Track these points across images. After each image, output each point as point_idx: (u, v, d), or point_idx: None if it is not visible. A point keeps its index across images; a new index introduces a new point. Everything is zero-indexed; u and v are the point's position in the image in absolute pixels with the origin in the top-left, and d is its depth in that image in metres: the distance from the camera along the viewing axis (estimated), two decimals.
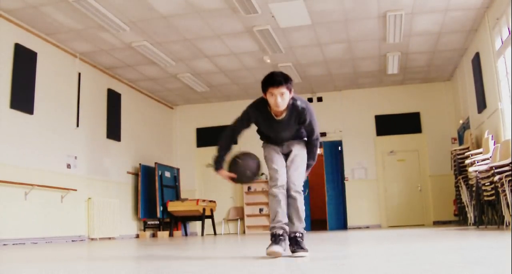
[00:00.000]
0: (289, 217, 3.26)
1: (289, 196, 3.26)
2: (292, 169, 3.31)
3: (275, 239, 3.15)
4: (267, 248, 3.12)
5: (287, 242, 3.21)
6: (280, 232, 3.17)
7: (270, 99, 3.16)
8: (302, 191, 3.29)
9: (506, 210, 6.03)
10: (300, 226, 3.25)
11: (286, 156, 3.41)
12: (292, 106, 3.22)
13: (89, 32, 8.19)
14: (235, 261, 2.99)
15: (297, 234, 3.21)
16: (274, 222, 3.22)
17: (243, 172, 3.27)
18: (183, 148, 12.92)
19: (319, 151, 14.30)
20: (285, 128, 3.29)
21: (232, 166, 3.28)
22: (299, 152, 3.38)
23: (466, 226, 8.53)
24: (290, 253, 3.19)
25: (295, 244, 3.17)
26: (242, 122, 3.34)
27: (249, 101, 3.42)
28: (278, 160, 3.34)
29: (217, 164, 3.30)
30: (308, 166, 3.42)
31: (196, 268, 2.57)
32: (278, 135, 3.36)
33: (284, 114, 3.24)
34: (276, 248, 3.07)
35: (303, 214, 3.27)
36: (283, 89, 3.11)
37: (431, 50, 9.59)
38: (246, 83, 11.24)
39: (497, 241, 3.83)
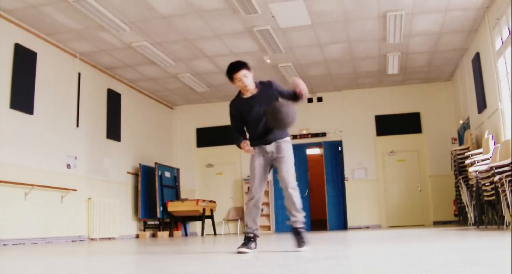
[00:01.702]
0: (289, 210, 3.73)
1: (285, 193, 3.73)
2: (283, 171, 3.75)
3: (247, 240, 3.75)
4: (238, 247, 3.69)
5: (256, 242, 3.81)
6: (251, 235, 3.77)
7: (239, 84, 3.73)
8: (297, 186, 3.77)
9: (506, 210, 6.03)
10: (300, 216, 3.71)
11: (273, 160, 3.85)
12: (259, 83, 3.81)
13: (89, 32, 8.19)
14: (236, 261, 2.99)
15: (300, 225, 3.68)
16: (247, 228, 3.84)
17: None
18: (183, 148, 12.92)
19: (318, 150, 14.17)
20: (261, 103, 3.73)
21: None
22: (286, 154, 3.80)
23: (466, 226, 8.53)
24: (295, 247, 3.66)
25: (299, 237, 3.64)
26: (234, 121, 3.87)
27: None
28: (261, 175, 3.80)
29: (238, 142, 3.82)
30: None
31: (196, 268, 2.57)
32: (260, 119, 3.75)
33: (255, 92, 3.77)
34: (244, 249, 3.64)
35: (300, 206, 3.72)
36: (244, 71, 3.69)
37: (431, 50, 9.59)
38: None
39: (497, 241, 3.83)
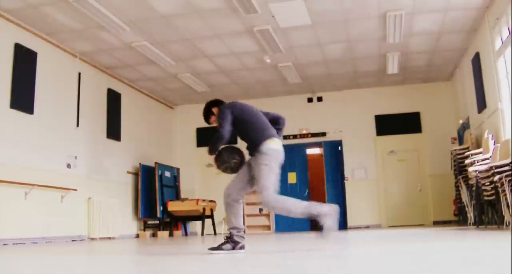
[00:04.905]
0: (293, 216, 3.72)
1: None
2: (257, 186, 3.80)
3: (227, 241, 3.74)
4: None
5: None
6: (228, 235, 3.78)
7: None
8: (273, 191, 3.72)
9: (506, 210, 6.03)
10: (302, 214, 3.61)
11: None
12: None
13: (89, 32, 8.19)
14: (235, 261, 2.99)
15: (316, 218, 3.57)
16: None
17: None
18: (183, 148, 12.91)
19: (318, 150, 14.13)
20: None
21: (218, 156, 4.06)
22: (257, 167, 3.78)
23: (466, 226, 8.53)
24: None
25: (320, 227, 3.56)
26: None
27: (249, 101, 3.81)
28: (239, 179, 3.99)
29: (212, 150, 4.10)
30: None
31: (197, 268, 2.58)
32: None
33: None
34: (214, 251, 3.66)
35: (292, 209, 3.62)
36: (210, 121, 4.17)
37: (431, 50, 9.59)
38: (246, 83, 11.23)
39: (497, 241, 3.84)
